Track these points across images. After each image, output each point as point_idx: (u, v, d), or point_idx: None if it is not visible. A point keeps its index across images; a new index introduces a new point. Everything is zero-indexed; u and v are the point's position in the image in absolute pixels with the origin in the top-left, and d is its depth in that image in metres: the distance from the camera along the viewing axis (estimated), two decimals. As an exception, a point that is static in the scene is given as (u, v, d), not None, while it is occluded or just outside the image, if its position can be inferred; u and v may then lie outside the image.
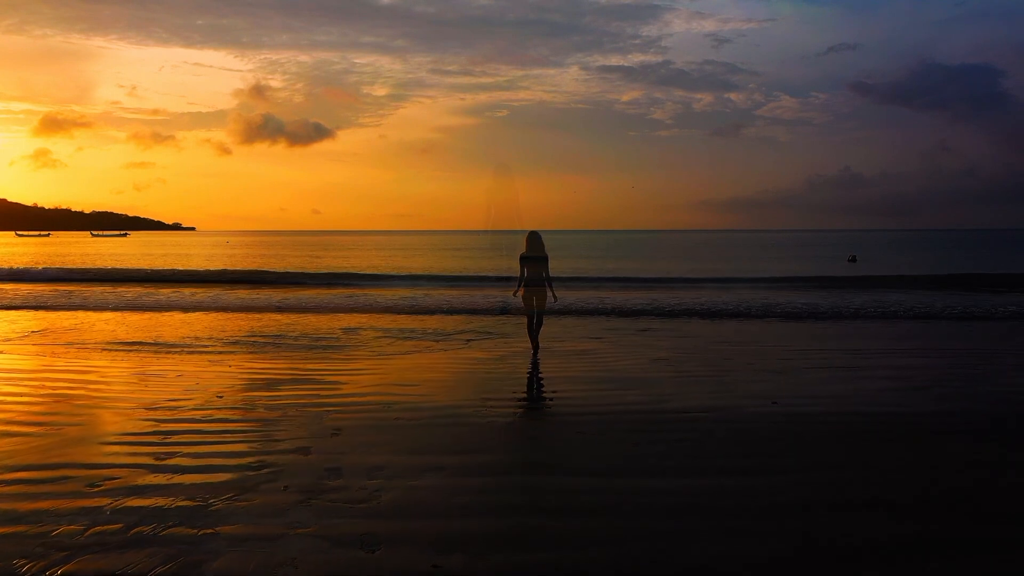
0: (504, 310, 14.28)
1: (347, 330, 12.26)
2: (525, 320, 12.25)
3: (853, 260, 47.38)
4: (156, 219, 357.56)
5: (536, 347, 11.95)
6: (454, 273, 28.95)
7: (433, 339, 11.82)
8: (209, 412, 7.16)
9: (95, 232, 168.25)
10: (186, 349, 10.84)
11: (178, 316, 15.08)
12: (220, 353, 10.28)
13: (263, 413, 7.16)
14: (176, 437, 6.33)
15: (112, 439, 6.28)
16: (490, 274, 24.20)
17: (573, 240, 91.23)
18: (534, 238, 11.97)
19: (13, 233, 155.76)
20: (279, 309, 15.82)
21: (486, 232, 11.48)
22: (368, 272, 29.71)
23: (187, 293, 19.72)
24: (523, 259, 11.98)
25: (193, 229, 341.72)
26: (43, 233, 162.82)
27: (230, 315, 14.98)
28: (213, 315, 15.26)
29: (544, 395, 8.46)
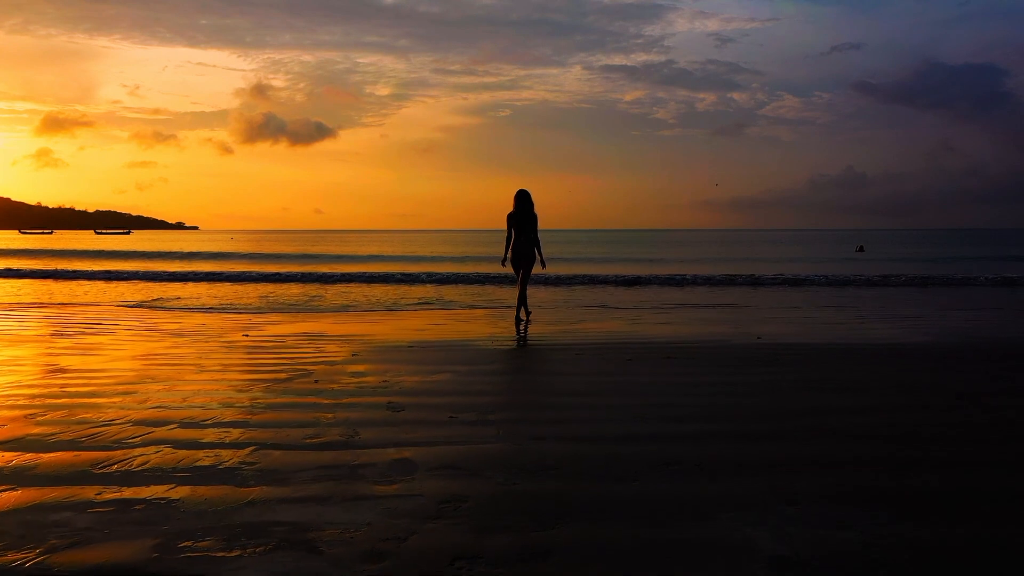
0: None
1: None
2: (517, 289, 11.58)
3: (861, 250, 48.02)
4: (159, 218, 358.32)
5: (526, 315, 11.41)
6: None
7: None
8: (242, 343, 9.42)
9: (98, 230, 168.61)
10: (221, 308, 14.20)
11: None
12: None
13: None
14: (218, 353, 8.47)
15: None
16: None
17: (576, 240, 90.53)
18: (522, 196, 11.03)
19: (17, 231, 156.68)
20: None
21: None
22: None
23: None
24: (510, 219, 11.08)
25: (196, 228, 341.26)
26: (46, 231, 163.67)
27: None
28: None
29: (544, 334, 10.26)
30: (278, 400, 5.87)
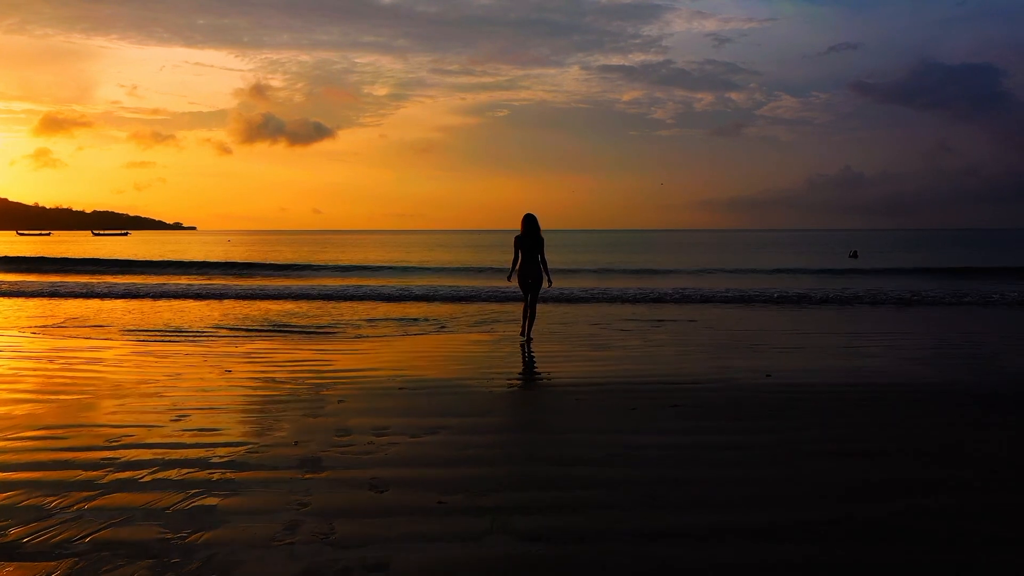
0: None
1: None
2: (522, 307, 12.45)
3: (855, 256, 47.19)
4: (157, 219, 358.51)
5: (528, 335, 12.08)
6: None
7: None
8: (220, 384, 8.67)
9: (96, 231, 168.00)
10: (198, 334, 13.31)
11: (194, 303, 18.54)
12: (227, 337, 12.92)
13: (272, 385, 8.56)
14: (193, 401, 7.73)
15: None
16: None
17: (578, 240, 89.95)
18: (530, 221, 11.66)
19: (14, 232, 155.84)
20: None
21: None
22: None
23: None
24: (518, 242, 11.71)
25: (194, 228, 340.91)
26: (44, 232, 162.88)
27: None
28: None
29: (542, 371, 9.82)
30: (251, 475, 5.29)
